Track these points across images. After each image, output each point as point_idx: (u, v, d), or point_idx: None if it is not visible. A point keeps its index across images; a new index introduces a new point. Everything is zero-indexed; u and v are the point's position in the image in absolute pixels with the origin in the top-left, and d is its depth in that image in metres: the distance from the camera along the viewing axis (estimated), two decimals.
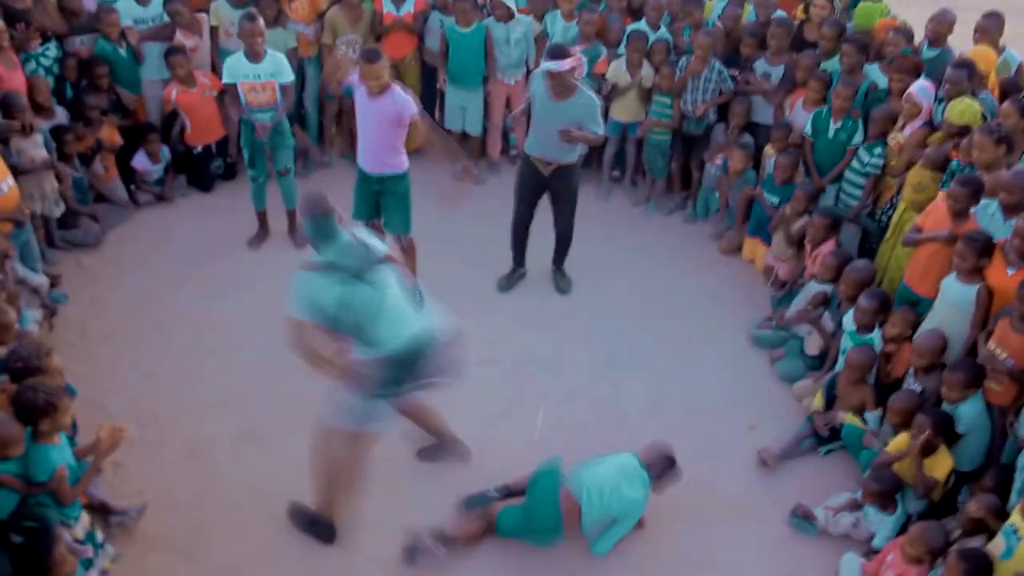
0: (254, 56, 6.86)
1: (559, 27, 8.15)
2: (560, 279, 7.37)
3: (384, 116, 6.18)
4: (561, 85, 6.37)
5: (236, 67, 6.91)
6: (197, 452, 5.66)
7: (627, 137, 8.37)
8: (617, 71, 7.92)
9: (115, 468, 5.44)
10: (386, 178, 6.48)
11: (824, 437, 5.92)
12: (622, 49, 7.98)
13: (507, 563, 5.18)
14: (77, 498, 4.38)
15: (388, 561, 5.11)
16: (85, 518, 4.54)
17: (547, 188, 6.90)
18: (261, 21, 6.85)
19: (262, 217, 7.53)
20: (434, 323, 4.78)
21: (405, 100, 6.17)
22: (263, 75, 6.92)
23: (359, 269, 4.49)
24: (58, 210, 7.03)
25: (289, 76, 7.09)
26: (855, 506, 5.42)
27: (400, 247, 6.59)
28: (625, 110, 8.11)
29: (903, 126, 6.78)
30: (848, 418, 5.80)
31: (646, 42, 7.87)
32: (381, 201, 6.62)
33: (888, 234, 6.69)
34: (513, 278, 7.32)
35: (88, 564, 4.49)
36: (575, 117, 6.44)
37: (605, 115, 7.96)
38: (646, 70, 7.92)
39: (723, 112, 7.96)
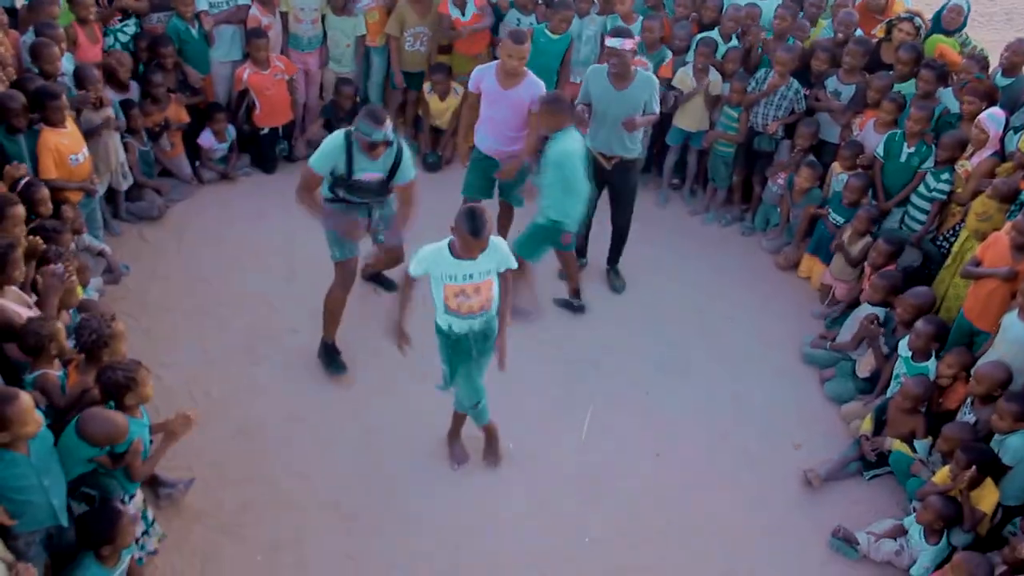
0: None
1: None
2: (615, 278, 7.42)
3: (519, 102, 6.44)
4: (622, 69, 6.48)
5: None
6: (248, 431, 5.75)
7: (689, 147, 8.30)
8: (683, 77, 7.86)
9: None
10: (508, 159, 6.70)
11: (871, 462, 5.87)
12: (689, 56, 7.95)
13: None
14: (147, 475, 4.49)
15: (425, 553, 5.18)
16: (139, 496, 4.63)
17: (607, 184, 6.95)
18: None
19: None
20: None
21: (540, 87, 6.47)
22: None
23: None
24: (126, 183, 7.16)
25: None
26: (899, 533, 5.38)
27: (503, 214, 7.07)
28: (689, 118, 8.04)
29: (972, 154, 6.69)
30: (897, 445, 5.75)
31: (715, 49, 7.83)
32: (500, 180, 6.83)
33: (948, 261, 6.60)
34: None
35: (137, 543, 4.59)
36: (638, 101, 6.56)
37: (668, 121, 8.04)
38: (714, 76, 7.85)
39: (788, 129, 7.88)
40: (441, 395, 5.45)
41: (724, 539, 5.45)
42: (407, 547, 5.18)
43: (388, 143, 5.44)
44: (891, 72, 7.43)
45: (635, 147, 6.80)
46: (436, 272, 4.79)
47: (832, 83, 7.61)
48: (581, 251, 7.40)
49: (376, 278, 6.98)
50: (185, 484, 5.27)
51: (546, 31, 7.95)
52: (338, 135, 5.50)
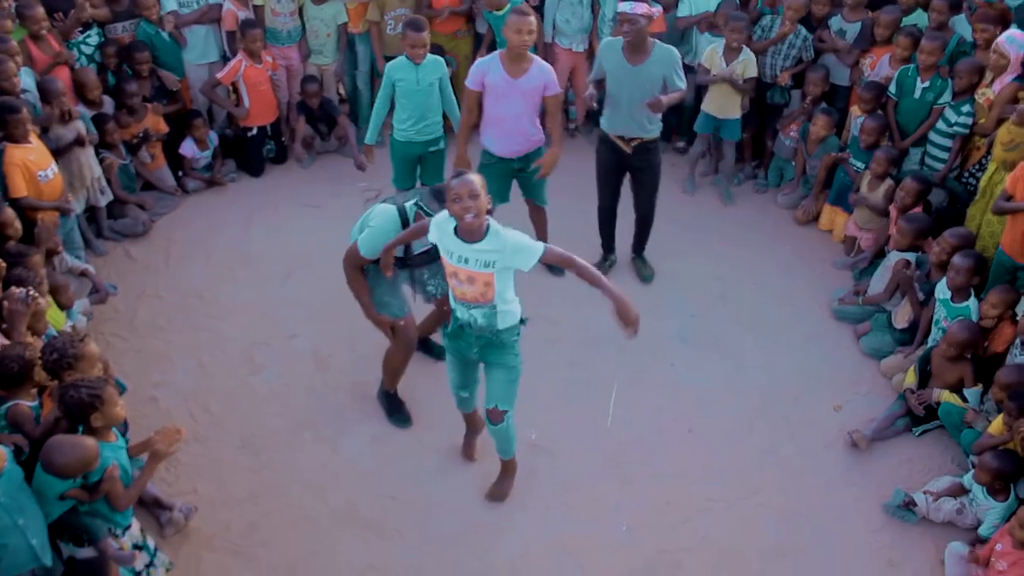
0: None
1: None
2: (642, 266, 6.91)
3: (532, 90, 5.90)
4: (636, 39, 5.84)
5: None
6: (252, 446, 5.39)
7: (720, 138, 7.64)
8: (712, 56, 7.21)
9: (168, 464, 5.21)
10: (529, 155, 6.21)
11: (919, 417, 5.47)
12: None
13: None
14: (133, 502, 4.10)
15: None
16: (135, 527, 4.26)
17: (629, 168, 6.42)
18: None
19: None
20: None
21: (549, 70, 5.95)
22: None
23: None
24: (104, 198, 6.81)
25: None
26: (959, 491, 4.98)
27: (535, 214, 6.57)
28: (718, 103, 7.36)
29: (992, 81, 6.29)
30: (946, 396, 5.35)
31: (748, 25, 7.16)
32: (520, 178, 6.34)
33: (977, 197, 6.21)
34: (604, 266, 6.83)
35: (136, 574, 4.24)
36: (656, 78, 5.93)
37: (697, 106, 7.59)
38: (746, 55, 7.12)
39: (796, 80, 7.47)
40: (451, 398, 5.06)
41: (770, 513, 5.07)
42: (432, 552, 4.82)
43: None
44: (897, 5, 7.03)
45: (655, 126, 6.21)
46: (441, 241, 4.30)
47: (836, 22, 7.23)
48: (609, 246, 6.92)
49: (424, 345, 5.91)
50: (187, 510, 4.89)
51: (491, 13, 7.60)
52: (391, 213, 4.77)
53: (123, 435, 4.50)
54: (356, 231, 4.96)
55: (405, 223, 4.75)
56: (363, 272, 4.92)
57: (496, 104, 5.95)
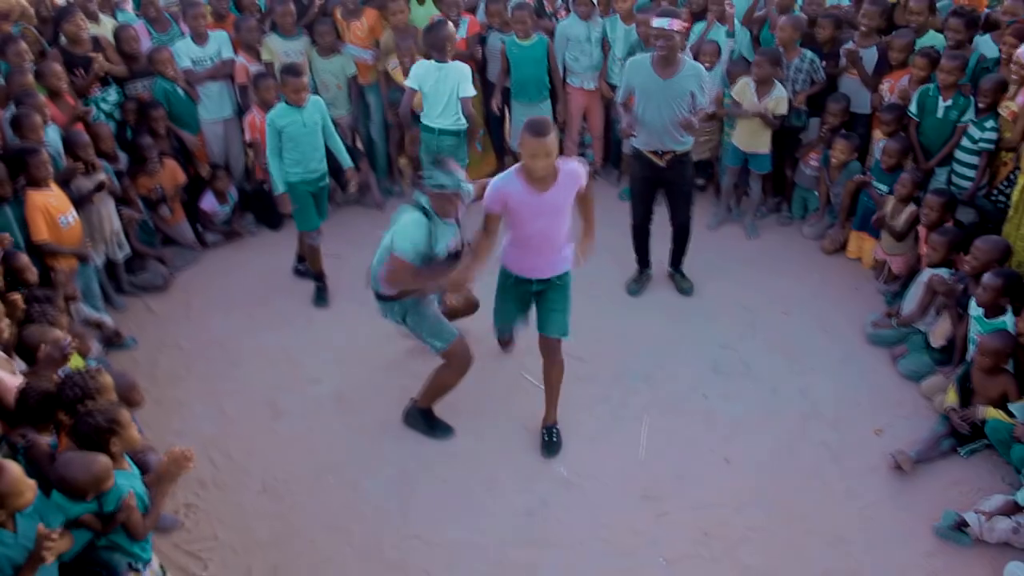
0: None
1: (620, 32, 7.72)
2: (681, 280, 6.93)
3: (562, 205, 4.87)
4: (670, 53, 5.93)
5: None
6: (274, 491, 5.23)
7: (750, 171, 7.54)
8: (744, 89, 7.17)
9: (188, 510, 5.09)
10: (555, 277, 5.17)
11: (965, 436, 5.25)
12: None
13: None
14: (151, 530, 3.96)
15: None
16: (155, 562, 4.12)
17: (663, 182, 6.45)
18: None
19: None
20: None
21: (577, 171, 4.90)
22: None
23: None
24: (122, 253, 6.78)
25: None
26: (1013, 510, 4.73)
27: (550, 354, 5.32)
28: (747, 136, 7.29)
29: (1015, 94, 6.18)
30: (991, 412, 5.12)
31: (779, 61, 7.07)
32: (539, 301, 5.25)
33: (1011, 213, 6.04)
34: (642, 280, 6.94)
35: None
36: (686, 92, 6.02)
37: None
38: (779, 92, 7.05)
39: (814, 107, 7.39)
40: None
41: (817, 540, 4.83)
42: None
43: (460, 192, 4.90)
44: (909, 28, 6.97)
45: (687, 139, 6.25)
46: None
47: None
48: (644, 261, 6.90)
49: None
50: (173, 521, 4.92)
51: (516, 41, 7.63)
52: (414, 215, 4.87)
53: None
54: (384, 251, 5.06)
55: (427, 215, 4.88)
56: (419, 273, 4.93)
57: (525, 224, 4.87)
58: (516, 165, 4.80)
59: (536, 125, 4.54)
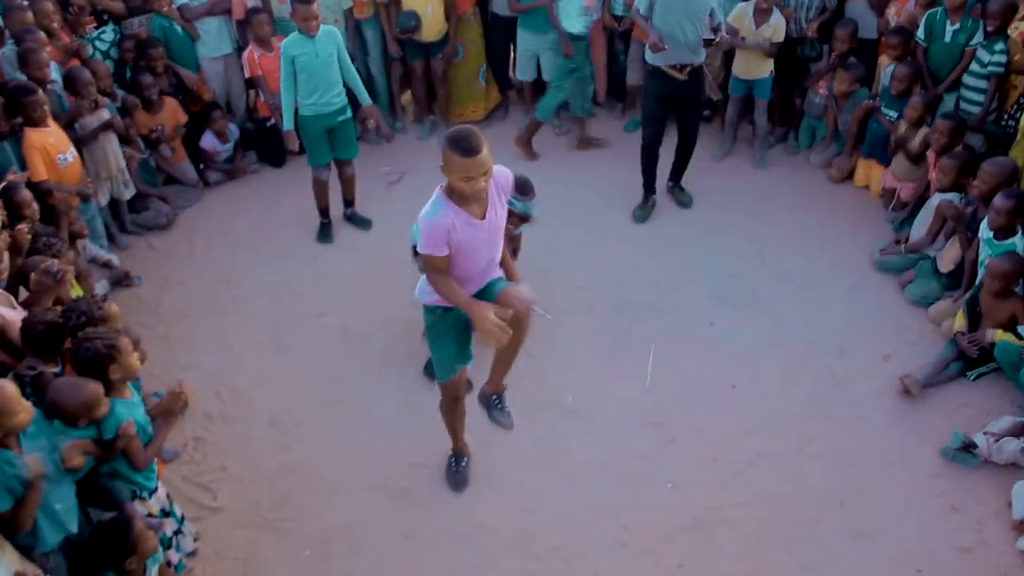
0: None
1: None
2: (681, 194, 7.04)
3: (502, 222, 4.01)
4: None
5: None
6: (280, 422, 5.25)
7: (754, 100, 7.36)
8: (741, 15, 6.96)
9: (196, 443, 5.10)
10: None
11: (973, 359, 5.22)
12: None
13: None
14: (152, 461, 3.96)
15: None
16: (162, 492, 4.13)
17: (679, 96, 6.46)
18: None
19: None
20: None
21: (501, 172, 3.93)
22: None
23: None
24: (128, 192, 6.73)
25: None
26: (1022, 430, 4.72)
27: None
28: (747, 66, 7.14)
29: None
30: (999, 335, 5.09)
31: None
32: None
33: (1019, 138, 5.95)
34: (647, 206, 6.92)
35: (167, 541, 4.09)
36: (707, 5, 6.11)
37: (727, 70, 7.48)
38: (776, 19, 6.88)
39: (823, 33, 7.23)
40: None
41: (823, 464, 4.84)
42: (469, 518, 4.64)
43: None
44: None
45: (703, 52, 6.34)
46: None
47: None
48: (650, 186, 6.90)
49: None
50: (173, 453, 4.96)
51: None
52: (434, 195, 3.83)
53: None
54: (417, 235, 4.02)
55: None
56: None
57: (468, 257, 3.93)
58: (439, 192, 3.80)
59: (462, 141, 3.57)
